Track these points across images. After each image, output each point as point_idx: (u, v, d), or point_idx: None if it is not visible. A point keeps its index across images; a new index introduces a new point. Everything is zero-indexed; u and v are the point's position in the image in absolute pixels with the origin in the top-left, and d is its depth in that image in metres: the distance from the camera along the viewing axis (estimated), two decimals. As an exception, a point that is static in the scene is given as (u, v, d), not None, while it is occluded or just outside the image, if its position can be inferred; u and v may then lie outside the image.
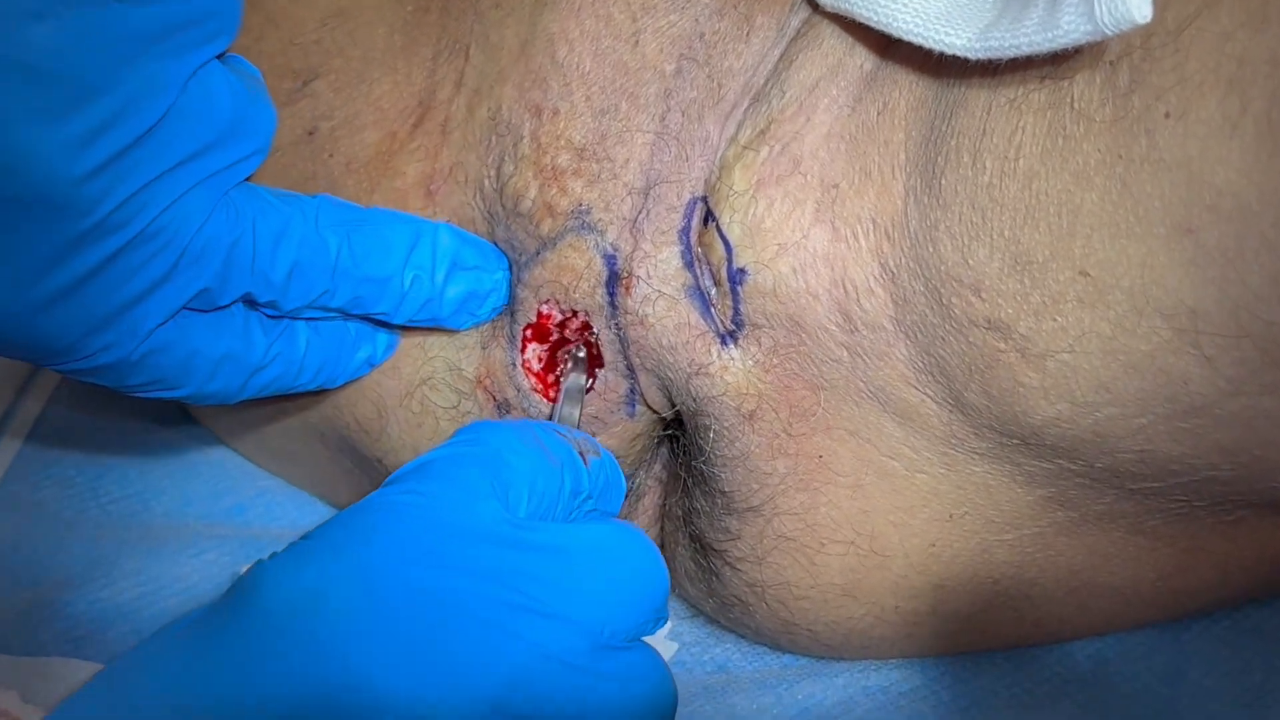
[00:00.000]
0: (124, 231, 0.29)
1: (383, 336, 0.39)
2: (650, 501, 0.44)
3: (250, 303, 0.35)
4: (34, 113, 0.27)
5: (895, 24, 0.32)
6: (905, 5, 0.31)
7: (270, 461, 0.51)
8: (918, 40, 0.31)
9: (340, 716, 0.27)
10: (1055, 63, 0.30)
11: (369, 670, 0.27)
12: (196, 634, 0.29)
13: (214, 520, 0.49)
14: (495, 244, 0.39)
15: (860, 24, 0.33)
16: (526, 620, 0.29)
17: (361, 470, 0.44)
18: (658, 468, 0.44)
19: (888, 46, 0.35)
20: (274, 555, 0.29)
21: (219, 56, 0.31)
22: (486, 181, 0.39)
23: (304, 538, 0.30)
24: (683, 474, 0.41)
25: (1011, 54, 0.29)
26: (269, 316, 0.36)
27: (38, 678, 0.42)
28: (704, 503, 0.40)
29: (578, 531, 0.33)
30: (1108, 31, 0.27)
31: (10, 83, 0.26)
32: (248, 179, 0.33)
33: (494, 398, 0.40)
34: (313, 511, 0.50)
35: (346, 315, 0.37)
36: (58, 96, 0.27)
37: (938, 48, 0.31)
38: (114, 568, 0.47)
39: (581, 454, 0.35)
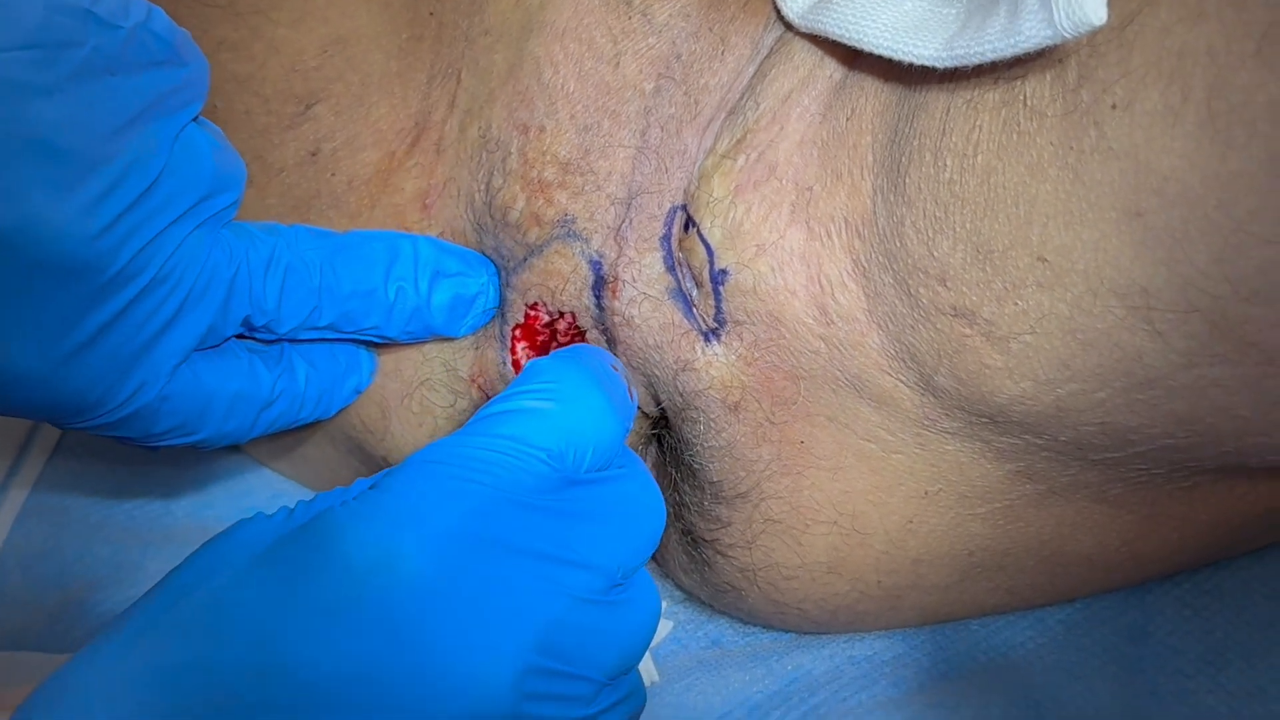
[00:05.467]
0: (140, 278, 0.31)
1: (365, 365, 0.41)
2: None
3: (251, 336, 0.36)
4: (50, 184, 0.28)
5: (867, 39, 0.32)
6: (875, 21, 0.32)
7: (285, 466, 0.51)
8: (889, 53, 0.31)
9: (410, 678, 0.27)
10: (1009, 64, 0.30)
11: (436, 633, 0.28)
12: (271, 577, 0.28)
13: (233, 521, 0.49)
14: (483, 253, 0.40)
15: (831, 39, 0.33)
16: (567, 573, 0.30)
17: (369, 469, 0.44)
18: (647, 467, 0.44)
19: (855, 58, 0.35)
20: (345, 504, 0.29)
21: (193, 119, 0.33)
22: (477, 195, 0.39)
23: (374, 489, 0.30)
24: (671, 470, 0.41)
25: (976, 60, 0.29)
26: (267, 342, 0.37)
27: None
28: (694, 495, 0.40)
29: (613, 491, 0.33)
30: (1067, 35, 0.27)
31: (26, 159, 0.28)
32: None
33: (486, 395, 0.40)
34: (326, 512, 0.50)
35: (342, 333, 0.38)
36: (70, 166, 0.29)
37: (908, 59, 0.31)
38: (139, 569, 0.47)
39: (630, 394, 0.36)
